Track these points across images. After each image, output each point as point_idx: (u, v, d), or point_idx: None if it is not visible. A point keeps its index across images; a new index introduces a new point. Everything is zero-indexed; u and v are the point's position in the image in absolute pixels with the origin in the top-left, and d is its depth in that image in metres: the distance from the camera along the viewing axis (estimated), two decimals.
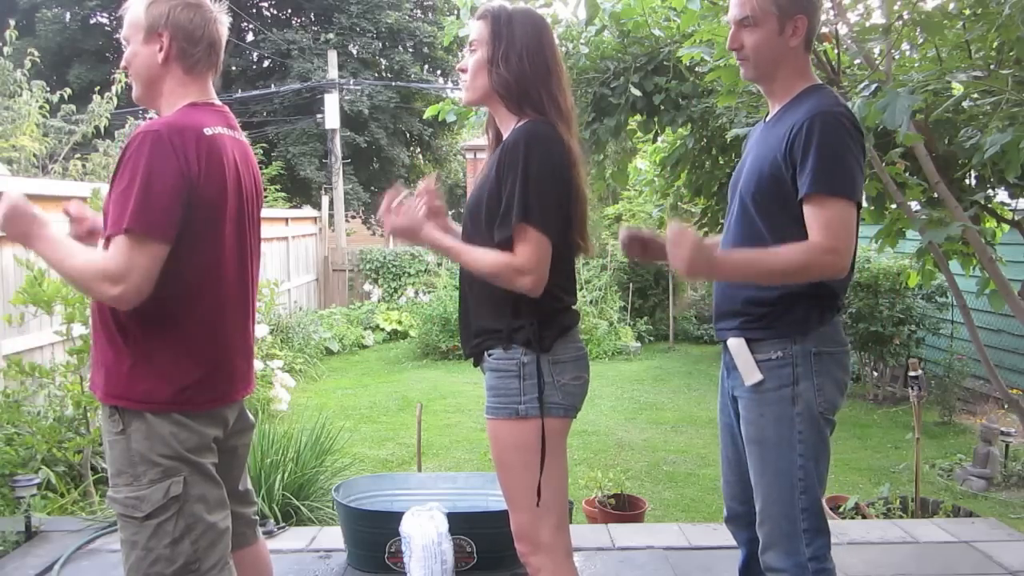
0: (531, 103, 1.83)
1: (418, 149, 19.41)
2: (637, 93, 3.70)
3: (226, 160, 1.74)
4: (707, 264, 1.70)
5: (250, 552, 1.98)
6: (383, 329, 10.71)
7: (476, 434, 5.86)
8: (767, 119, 1.95)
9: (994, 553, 3.15)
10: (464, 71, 1.90)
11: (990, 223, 3.39)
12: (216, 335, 1.78)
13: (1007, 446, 4.91)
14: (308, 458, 3.90)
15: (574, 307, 1.92)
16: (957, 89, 2.72)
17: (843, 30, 2.79)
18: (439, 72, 19.15)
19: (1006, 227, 3.43)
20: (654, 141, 4.50)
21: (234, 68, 17.10)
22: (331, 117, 14.61)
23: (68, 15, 16.66)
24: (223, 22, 1.85)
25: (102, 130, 7.36)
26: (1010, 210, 3.48)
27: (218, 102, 1.85)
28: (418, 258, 12.05)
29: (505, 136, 1.85)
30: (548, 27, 1.92)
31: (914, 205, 3.12)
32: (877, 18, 2.93)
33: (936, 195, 2.88)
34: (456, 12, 4.27)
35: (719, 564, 3.01)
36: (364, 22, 17.11)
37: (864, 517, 3.83)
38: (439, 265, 11.26)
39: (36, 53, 7.27)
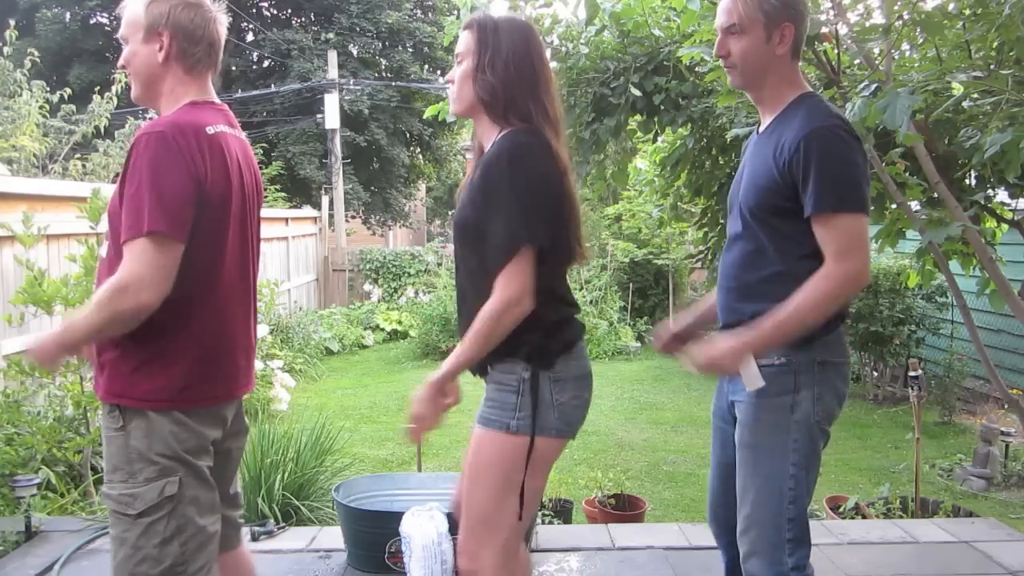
0: (516, 110, 1.79)
1: (418, 149, 19.38)
2: (637, 93, 3.69)
3: (229, 158, 1.74)
4: (742, 348, 1.76)
5: (233, 556, 1.97)
6: (383, 329, 10.71)
7: None
8: (760, 130, 1.94)
9: (994, 553, 3.15)
10: (452, 83, 1.87)
11: (990, 223, 3.39)
12: (219, 333, 1.78)
13: (1007, 446, 4.91)
14: (308, 458, 3.89)
15: (577, 316, 1.89)
16: (957, 89, 2.71)
17: (843, 30, 2.78)
18: (439, 72, 19.12)
19: (1006, 227, 3.44)
20: (654, 141, 4.50)
21: (234, 68, 17.08)
22: (331, 117, 14.59)
23: (68, 15, 16.62)
24: (223, 22, 1.85)
25: (102, 130, 7.35)
26: (1010, 210, 3.48)
27: (218, 100, 1.84)
28: (418, 258, 12.06)
29: (487, 148, 1.82)
30: (535, 33, 1.89)
31: (914, 205, 3.12)
32: (877, 18, 2.93)
33: (936, 195, 2.88)
34: (456, 12, 4.26)
35: (719, 564, 3.00)
36: (364, 22, 17.08)
37: (864, 517, 3.83)
38: (439, 265, 11.26)
39: (36, 53, 7.27)
